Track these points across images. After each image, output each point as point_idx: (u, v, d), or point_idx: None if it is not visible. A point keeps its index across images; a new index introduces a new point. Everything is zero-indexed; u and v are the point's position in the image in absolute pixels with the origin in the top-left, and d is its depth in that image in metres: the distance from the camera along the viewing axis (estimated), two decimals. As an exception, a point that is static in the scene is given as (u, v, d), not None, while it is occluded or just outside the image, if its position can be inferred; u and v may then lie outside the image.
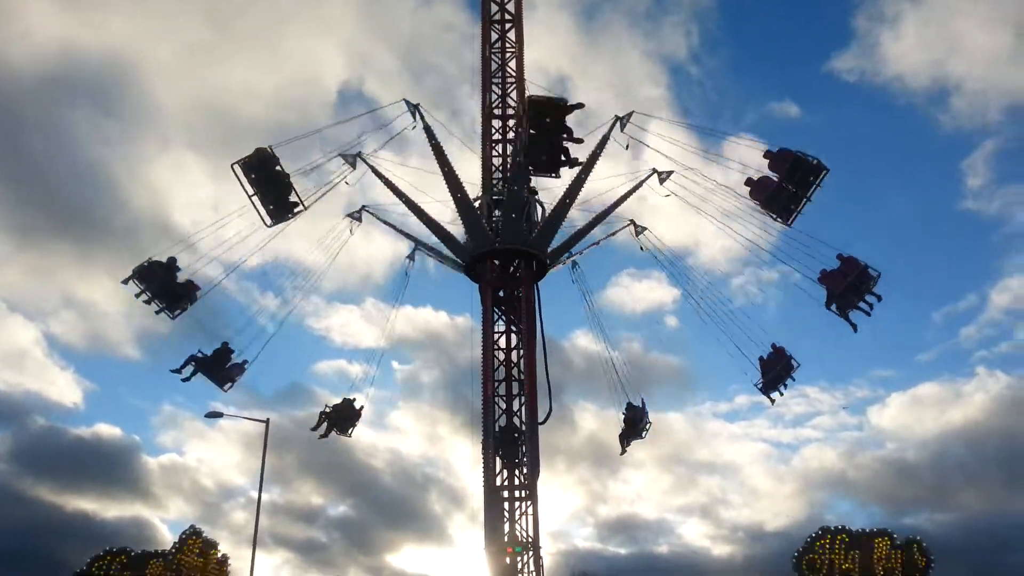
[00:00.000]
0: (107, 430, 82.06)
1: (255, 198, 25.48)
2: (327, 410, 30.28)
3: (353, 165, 28.15)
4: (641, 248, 30.25)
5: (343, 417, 30.51)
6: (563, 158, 23.39)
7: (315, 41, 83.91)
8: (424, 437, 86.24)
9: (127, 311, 76.41)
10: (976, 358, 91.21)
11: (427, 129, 28.24)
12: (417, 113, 28.38)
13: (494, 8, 30.83)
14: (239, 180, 25.15)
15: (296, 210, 26.25)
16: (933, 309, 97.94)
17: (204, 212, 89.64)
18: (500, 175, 29.48)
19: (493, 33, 30.71)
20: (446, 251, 28.78)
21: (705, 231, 27.64)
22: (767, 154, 24.76)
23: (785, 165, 24.23)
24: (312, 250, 29.47)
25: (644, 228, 30.39)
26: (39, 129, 77.93)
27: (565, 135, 23.02)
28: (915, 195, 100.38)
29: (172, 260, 25.82)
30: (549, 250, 28.06)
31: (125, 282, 25.27)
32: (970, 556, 53.06)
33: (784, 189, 24.43)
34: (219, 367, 26.78)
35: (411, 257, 31.23)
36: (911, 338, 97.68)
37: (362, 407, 30.82)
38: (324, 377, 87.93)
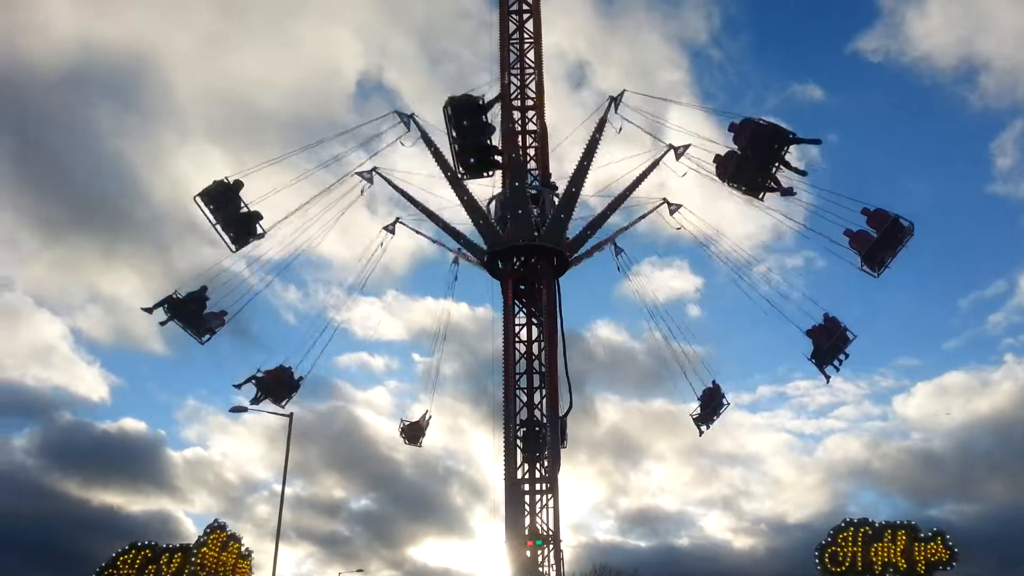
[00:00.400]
0: (132, 424, 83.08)
1: (217, 226, 26.24)
2: (259, 375, 28.27)
3: (370, 181, 28.86)
4: (678, 228, 29.93)
5: (279, 384, 28.82)
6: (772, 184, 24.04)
7: (332, 30, 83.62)
8: (445, 430, 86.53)
9: (153, 304, 77.38)
10: (1004, 345, 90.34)
11: (425, 137, 28.58)
12: (412, 123, 28.83)
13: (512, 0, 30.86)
14: (202, 210, 25.95)
15: (256, 238, 26.88)
16: (960, 296, 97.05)
17: None
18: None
19: (511, 24, 30.72)
20: (468, 254, 29.04)
21: (726, 216, 27.28)
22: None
23: (884, 225, 24.04)
24: (339, 248, 29.90)
25: (679, 205, 30.00)
26: (60, 124, 78.52)
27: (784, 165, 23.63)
28: (942, 178, 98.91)
29: (203, 290, 26.38)
30: (570, 240, 27.99)
31: (148, 311, 26.00)
32: (996, 547, 52.49)
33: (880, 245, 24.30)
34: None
35: (455, 262, 30.86)
36: (937, 325, 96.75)
37: (301, 377, 29.03)
38: (346, 370, 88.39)
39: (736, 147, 24.18)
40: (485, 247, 27.92)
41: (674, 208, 30.04)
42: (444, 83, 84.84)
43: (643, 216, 30.29)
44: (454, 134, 24.51)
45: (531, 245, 27.24)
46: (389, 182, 28.93)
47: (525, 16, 30.70)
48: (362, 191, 29.14)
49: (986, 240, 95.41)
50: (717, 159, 24.86)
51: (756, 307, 27.88)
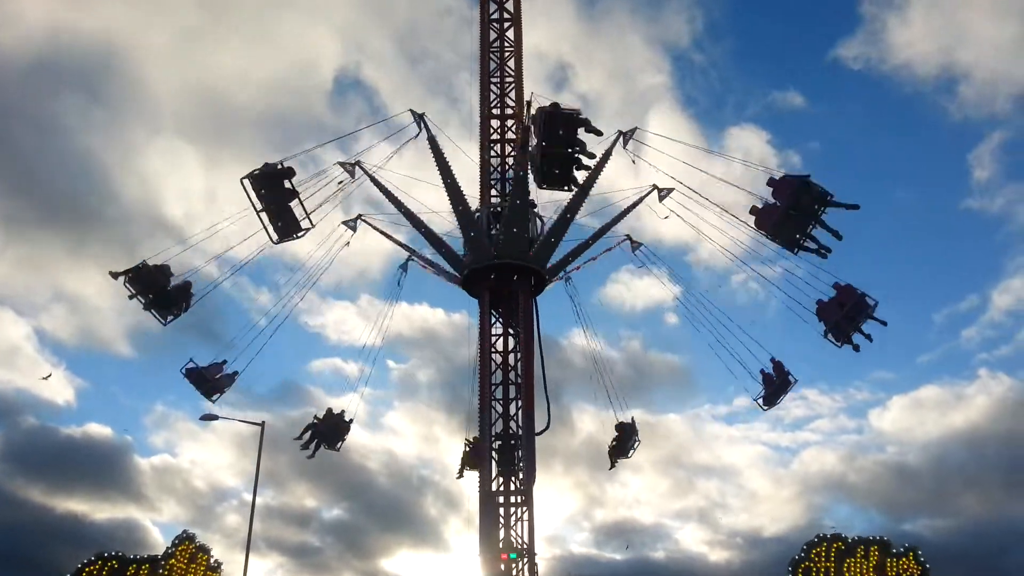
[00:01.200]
0: (98, 430, 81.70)
1: (263, 214, 25.09)
2: (315, 422, 29.29)
3: (352, 174, 28.14)
4: (640, 264, 30.69)
5: (331, 430, 29.47)
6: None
7: (310, 26, 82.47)
8: (420, 438, 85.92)
9: (119, 307, 75.83)
10: (978, 360, 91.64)
11: (431, 140, 28.38)
12: (423, 123, 28.58)
13: (493, 7, 30.91)
14: (247, 194, 24.74)
15: (302, 231, 25.90)
16: (934, 310, 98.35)
17: (197, 203, 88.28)
18: (498, 177, 29.61)
19: (492, 32, 30.80)
20: (443, 263, 28.69)
21: (706, 228, 27.17)
22: (770, 181, 24.36)
23: (790, 190, 23.80)
24: (311, 253, 29.32)
25: (640, 244, 30.73)
26: (27, 117, 76.34)
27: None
28: (920, 189, 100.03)
29: (166, 267, 25.34)
30: (553, 264, 28.02)
31: (115, 276, 24.81)
32: (969, 561, 53.19)
33: (788, 216, 23.99)
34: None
35: (404, 268, 30.99)
36: (912, 340, 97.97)
37: (351, 420, 29.69)
38: (319, 375, 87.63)
39: (776, 201, 24.18)
40: (463, 260, 27.74)
41: (636, 246, 30.74)
42: (422, 81, 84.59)
43: (608, 250, 30.36)
44: (544, 142, 23.10)
45: (512, 264, 27.03)
46: (372, 178, 28.36)
47: (506, 24, 30.78)
48: (340, 183, 28.01)
49: (960, 255, 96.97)
50: (755, 210, 24.69)
51: (732, 319, 28.09)
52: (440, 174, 28.06)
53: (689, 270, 27.96)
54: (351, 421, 29.76)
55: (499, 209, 28.36)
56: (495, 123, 29.96)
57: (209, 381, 26.64)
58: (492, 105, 29.97)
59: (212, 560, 33.93)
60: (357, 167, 28.32)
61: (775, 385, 27.03)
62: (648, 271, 30.82)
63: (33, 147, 76.00)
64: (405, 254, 30.68)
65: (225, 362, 26.87)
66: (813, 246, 23.91)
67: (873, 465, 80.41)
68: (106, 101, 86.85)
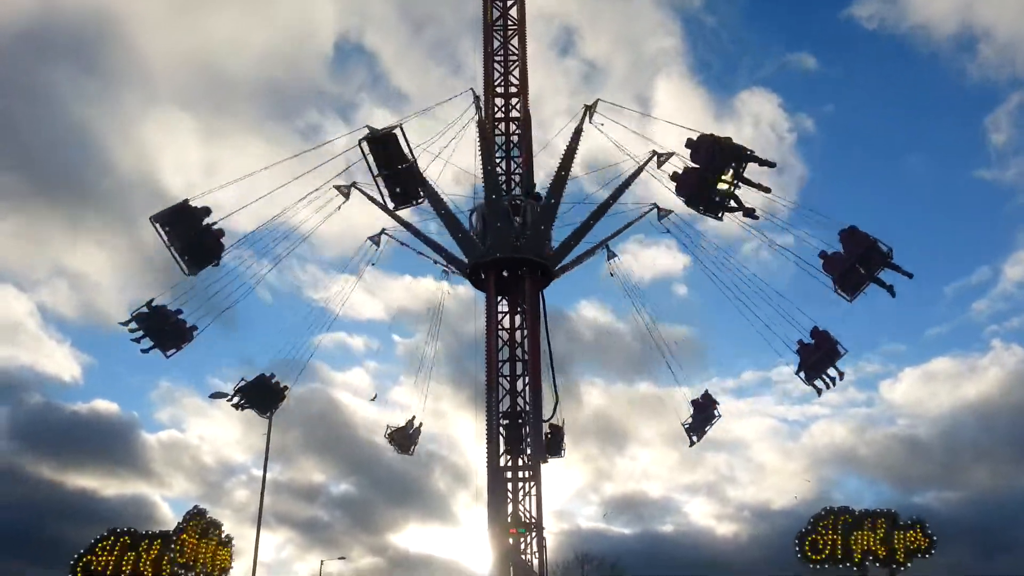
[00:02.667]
0: (105, 406, 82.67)
1: (172, 248, 24.53)
2: (242, 383, 28.41)
3: (347, 196, 27.89)
4: (667, 231, 29.78)
5: (261, 394, 28.71)
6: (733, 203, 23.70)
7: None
8: (427, 413, 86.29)
9: (120, 282, 75.83)
10: (988, 333, 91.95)
11: (481, 123, 28.69)
12: (479, 106, 28.81)
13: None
14: (157, 232, 24.27)
15: (216, 260, 25.42)
16: (945, 283, 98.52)
17: (195, 174, 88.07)
18: (502, 155, 30.00)
19: (495, 10, 30.99)
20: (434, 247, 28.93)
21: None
22: (841, 233, 23.98)
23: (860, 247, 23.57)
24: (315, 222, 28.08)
25: (669, 212, 29.56)
26: (19, 87, 76.89)
27: (742, 183, 23.30)
28: (934, 154, 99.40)
29: (206, 209, 24.75)
30: (555, 250, 28.23)
31: (154, 221, 24.10)
32: (978, 534, 54.08)
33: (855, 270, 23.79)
34: (163, 326, 25.35)
35: (375, 241, 30.14)
36: (923, 312, 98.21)
37: (286, 387, 29.06)
38: (324, 350, 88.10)
39: (844, 250, 23.89)
40: (466, 259, 28.08)
41: (664, 214, 29.85)
42: (426, 47, 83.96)
43: (632, 223, 29.99)
44: (709, 170, 23.49)
45: (513, 257, 27.35)
46: (368, 196, 28.12)
47: (509, 2, 30.98)
48: (372, 263, 29.17)
49: (972, 226, 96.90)
50: (675, 176, 24.64)
51: (739, 290, 27.29)
52: (482, 158, 28.25)
53: (700, 238, 27.47)
54: (286, 388, 29.07)
55: (516, 203, 28.32)
56: (499, 102, 30.28)
57: (163, 331, 25.37)
58: (496, 84, 30.29)
59: (223, 535, 34.75)
60: (353, 188, 28.16)
61: (818, 356, 25.58)
62: (656, 241, 30.63)
63: (26, 118, 75.54)
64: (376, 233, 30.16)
65: (180, 311, 25.67)
66: (737, 207, 23.82)
67: (883, 438, 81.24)
68: (100, 70, 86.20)
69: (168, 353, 25.60)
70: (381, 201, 26.54)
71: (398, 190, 25.64)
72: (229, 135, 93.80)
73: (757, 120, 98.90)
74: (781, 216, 25.34)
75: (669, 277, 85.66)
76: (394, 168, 24.97)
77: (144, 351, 25.34)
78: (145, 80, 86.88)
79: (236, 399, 28.24)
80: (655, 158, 28.25)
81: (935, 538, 33.03)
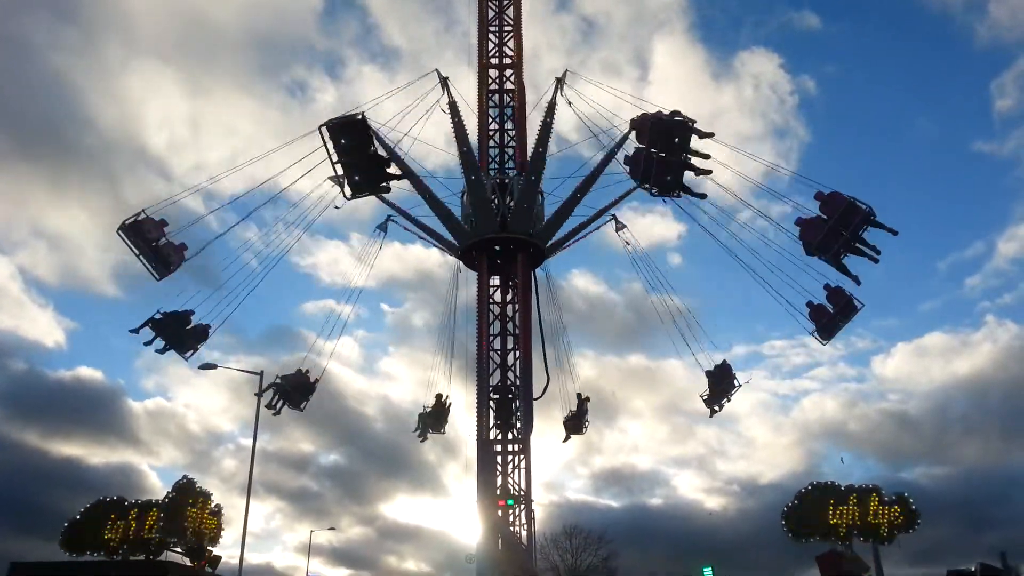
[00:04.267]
0: (89, 373, 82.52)
1: (142, 256, 25.18)
2: (277, 381, 28.78)
3: (342, 188, 27.25)
4: (626, 244, 29.61)
5: (295, 389, 28.89)
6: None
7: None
8: (416, 383, 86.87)
9: (103, 243, 74.80)
10: (980, 308, 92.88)
11: (452, 105, 28.74)
12: (446, 87, 28.82)
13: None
14: (125, 243, 24.92)
15: (177, 266, 25.69)
16: (939, 258, 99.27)
17: (181, 130, 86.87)
18: (496, 127, 30.23)
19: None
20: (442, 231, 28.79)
21: (713, 163, 25.39)
22: (818, 195, 23.93)
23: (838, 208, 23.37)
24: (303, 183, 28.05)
25: (624, 225, 29.64)
26: (-11, 37, 72.73)
27: (692, 154, 23.54)
28: (936, 121, 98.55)
29: (162, 222, 25.39)
30: (543, 227, 28.38)
31: (119, 231, 24.81)
32: (965, 509, 55.12)
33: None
34: (179, 331, 26.08)
35: (383, 228, 29.93)
36: (916, 287, 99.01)
37: (317, 380, 29.32)
38: (311, 318, 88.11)
39: (822, 215, 23.76)
40: (468, 233, 28.17)
41: (620, 226, 29.77)
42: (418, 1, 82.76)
43: (630, 192, 28.70)
44: (657, 150, 23.69)
45: (499, 237, 27.50)
46: (375, 194, 27.68)
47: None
48: (336, 207, 28.00)
49: (969, 199, 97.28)
50: (800, 222, 24.21)
51: (734, 260, 26.86)
52: (457, 142, 28.44)
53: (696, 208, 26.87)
54: (316, 382, 29.32)
55: (501, 181, 28.66)
56: (493, 73, 30.52)
57: (182, 334, 26.09)
58: (490, 55, 30.47)
59: (213, 505, 35.23)
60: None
61: (833, 314, 25.22)
62: (651, 209, 29.86)
63: (0, 69, 73.21)
64: (397, 192, 29.55)
65: (193, 312, 26.29)
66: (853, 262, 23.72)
67: (874, 413, 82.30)
68: (75, 18, 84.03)
69: (187, 355, 26.35)
70: (379, 197, 27.19)
71: (357, 178, 25.91)
72: (214, 90, 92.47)
73: (757, 81, 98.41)
74: (782, 184, 24.98)
75: (664, 246, 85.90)
76: (356, 156, 25.24)
77: (159, 351, 25.97)
78: (127, 29, 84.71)
79: (271, 399, 28.43)
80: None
81: (917, 513, 33.80)
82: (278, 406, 28.61)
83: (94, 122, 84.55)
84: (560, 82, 29.15)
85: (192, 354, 26.63)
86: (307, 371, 29.02)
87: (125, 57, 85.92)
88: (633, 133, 26.01)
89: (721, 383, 28.29)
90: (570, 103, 28.76)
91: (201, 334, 26.34)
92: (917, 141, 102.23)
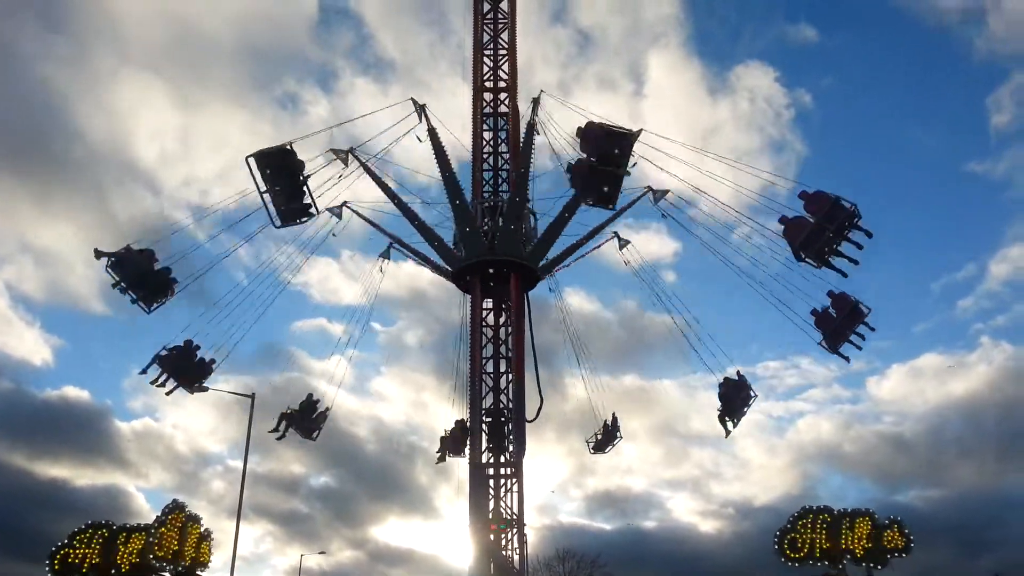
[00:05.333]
0: (76, 393, 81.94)
1: (121, 285, 25.48)
2: (287, 411, 29.33)
3: (345, 162, 28.21)
4: (664, 215, 29.27)
5: (307, 420, 29.54)
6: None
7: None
8: (408, 404, 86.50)
9: (89, 258, 73.92)
10: (973, 331, 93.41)
11: (431, 132, 29.03)
12: (423, 114, 29.15)
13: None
14: (109, 274, 25.29)
15: (167, 298, 26.03)
16: (932, 279, 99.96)
17: (170, 143, 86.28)
18: (490, 151, 30.59)
19: (486, 3, 31.67)
20: (430, 253, 29.25)
21: (708, 181, 26.82)
22: (802, 194, 24.19)
23: (824, 206, 23.52)
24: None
25: (666, 191, 29.20)
26: (-24, 46, 71.44)
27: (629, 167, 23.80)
28: (932, 135, 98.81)
29: (150, 252, 25.73)
30: (532, 249, 28.75)
31: (98, 256, 25.17)
32: (959, 532, 55.35)
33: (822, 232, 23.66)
34: (187, 366, 26.44)
35: (385, 255, 30.68)
36: (909, 308, 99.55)
37: (328, 408, 29.78)
38: (304, 337, 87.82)
39: (807, 215, 23.90)
40: (455, 253, 28.66)
41: (623, 243, 30.44)
42: (411, 9, 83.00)
43: (627, 207, 29.38)
44: (594, 159, 23.81)
45: (488, 259, 27.82)
46: (365, 166, 28.66)
47: (500, -2, 31.46)
48: (333, 233, 28.88)
49: (961, 220, 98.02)
50: (784, 220, 24.49)
51: (730, 279, 28.29)
52: (439, 167, 28.77)
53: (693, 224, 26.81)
54: (328, 410, 29.72)
55: (493, 203, 29.16)
56: (487, 96, 31.03)
57: (189, 371, 26.40)
58: (485, 78, 30.89)
59: (203, 529, 35.17)
60: (350, 155, 28.42)
61: (840, 319, 24.93)
62: (646, 226, 30.00)
63: (-16, 78, 70.50)
64: (388, 207, 30.18)
65: (199, 346, 26.56)
66: (839, 264, 23.89)
67: (869, 435, 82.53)
68: (66, 27, 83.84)
69: (192, 390, 26.79)
70: (368, 222, 27.98)
71: (283, 208, 26.18)
72: (205, 102, 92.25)
73: (753, 95, 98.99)
74: (780, 197, 25.13)
75: (658, 263, 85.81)
76: (284, 183, 25.59)
77: (168, 393, 26.30)
78: (117, 39, 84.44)
79: (282, 429, 29.00)
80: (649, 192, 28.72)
81: (912, 538, 33.95)
82: (282, 429, 29.06)
83: (83, 134, 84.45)
84: (536, 103, 29.46)
85: (198, 388, 27.16)
86: (317, 400, 29.52)
87: (115, 67, 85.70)
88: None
89: (736, 397, 28.13)
90: (537, 130, 29.10)
91: (206, 369, 26.70)
92: (912, 158, 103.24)
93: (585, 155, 23.99)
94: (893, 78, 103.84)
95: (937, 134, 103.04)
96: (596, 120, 24.30)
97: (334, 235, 29.03)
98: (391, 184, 29.25)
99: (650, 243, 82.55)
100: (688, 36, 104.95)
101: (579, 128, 24.38)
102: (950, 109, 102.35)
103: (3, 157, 79.41)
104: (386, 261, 30.49)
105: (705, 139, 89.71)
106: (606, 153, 23.65)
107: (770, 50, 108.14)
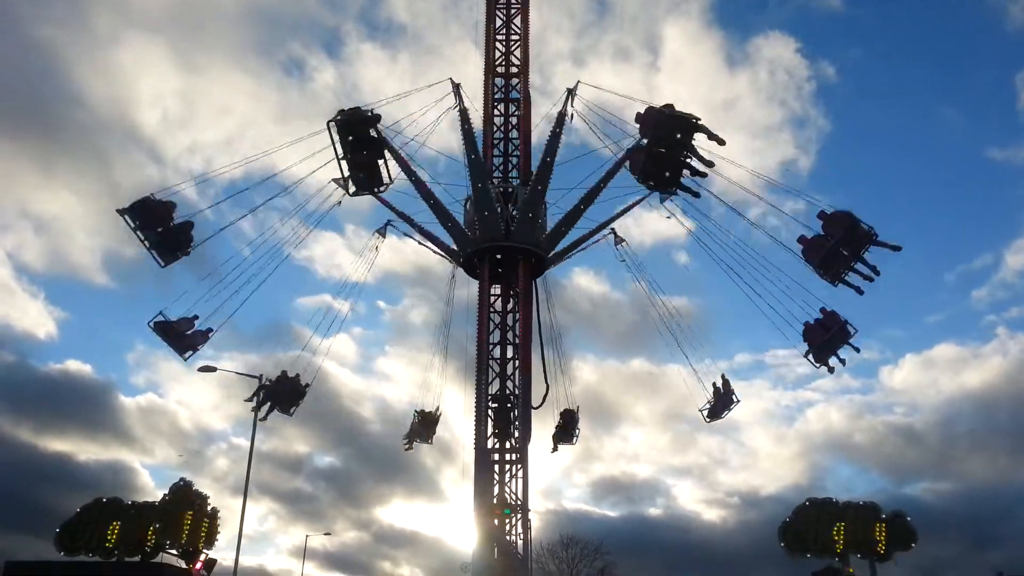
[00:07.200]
0: (79, 367, 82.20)
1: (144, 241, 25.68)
2: (266, 383, 29.52)
3: (345, 187, 28.18)
4: (621, 260, 30.67)
5: (285, 394, 29.62)
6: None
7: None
8: (414, 384, 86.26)
9: (91, 227, 73.96)
10: (986, 322, 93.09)
11: (462, 112, 29.38)
12: (459, 95, 29.51)
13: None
14: (128, 224, 25.32)
15: (186, 252, 26.39)
16: (947, 269, 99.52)
17: (174, 109, 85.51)
18: (501, 132, 30.91)
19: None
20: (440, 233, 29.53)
21: (722, 161, 25.78)
22: (821, 215, 24.64)
23: (841, 229, 24.05)
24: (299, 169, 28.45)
25: (623, 240, 30.74)
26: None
27: (691, 154, 24.07)
28: (960, 108, 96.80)
29: (172, 204, 25.83)
30: (546, 236, 29.04)
31: (121, 213, 25.21)
32: (968, 526, 55.47)
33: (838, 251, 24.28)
34: (180, 335, 26.80)
35: (382, 233, 30.57)
36: (922, 298, 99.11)
37: (308, 385, 29.82)
38: (307, 313, 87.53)
39: (825, 234, 24.34)
40: (474, 239, 28.76)
41: (619, 240, 30.81)
42: None
43: (636, 203, 29.99)
44: (656, 145, 24.23)
45: (505, 245, 28.12)
46: (386, 143, 28.15)
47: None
48: (339, 202, 28.76)
49: (978, 208, 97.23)
50: (803, 240, 24.90)
51: (740, 265, 27.13)
52: (466, 149, 29.04)
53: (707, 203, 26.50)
54: (307, 386, 29.77)
55: (505, 189, 29.43)
56: (499, 81, 31.26)
57: (182, 337, 26.89)
58: (497, 63, 31.13)
59: (210, 508, 35.77)
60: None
61: (828, 336, 25.60)
62: (658, 206, 28.65)
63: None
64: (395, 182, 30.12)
65: (196, 317, 26.91)
66: (854, 281, 24.58)
67: (879, 425, 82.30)
68: None
69: (186, 356, 27.20)
70: (381, 201, 27.95)
71: (362, 175, 26.59)
72: (208, 66, 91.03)
73: (774, 65, 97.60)
74: (799, 181, 25.46)
75: (669, 244, 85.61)
76: (362, 153, 25.89)
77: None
78: None
79: (257, 401, 29.33)
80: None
81: (916, 531, 34.25)
82: (264, 411, 29.37)
83: (83, 97, 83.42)
84: (571, 93, 29.65)
85: (191, 355, 27.43)
86: (296, 375, 29.43)
87: (115, 29, 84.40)
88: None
89: (718, 402, 29.57)
90: (571, 116, 29.47)
91: (202, 337, 27.06)
92: (934, 141, 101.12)
93: (644, 141, 24.44)
94: (920, 50, 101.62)
95: (962, 113, 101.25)
96: (652, 106, 24.56)
97: (339, 203, 29.01)
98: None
99: (661, 223, 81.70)
100: (709, 3, 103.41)
101: (638, 113, 24.73)
102: (978, 86, 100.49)
103: (2, 122, 79.31)
104: (381, 238, 30.47)
105: (723, 113, 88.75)
106: (666, 138, 24.03)
107: (792, 20, 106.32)
